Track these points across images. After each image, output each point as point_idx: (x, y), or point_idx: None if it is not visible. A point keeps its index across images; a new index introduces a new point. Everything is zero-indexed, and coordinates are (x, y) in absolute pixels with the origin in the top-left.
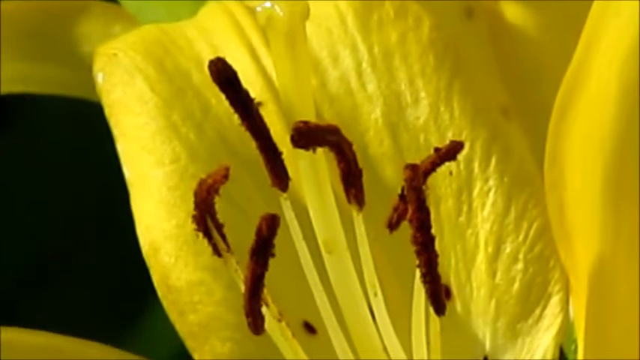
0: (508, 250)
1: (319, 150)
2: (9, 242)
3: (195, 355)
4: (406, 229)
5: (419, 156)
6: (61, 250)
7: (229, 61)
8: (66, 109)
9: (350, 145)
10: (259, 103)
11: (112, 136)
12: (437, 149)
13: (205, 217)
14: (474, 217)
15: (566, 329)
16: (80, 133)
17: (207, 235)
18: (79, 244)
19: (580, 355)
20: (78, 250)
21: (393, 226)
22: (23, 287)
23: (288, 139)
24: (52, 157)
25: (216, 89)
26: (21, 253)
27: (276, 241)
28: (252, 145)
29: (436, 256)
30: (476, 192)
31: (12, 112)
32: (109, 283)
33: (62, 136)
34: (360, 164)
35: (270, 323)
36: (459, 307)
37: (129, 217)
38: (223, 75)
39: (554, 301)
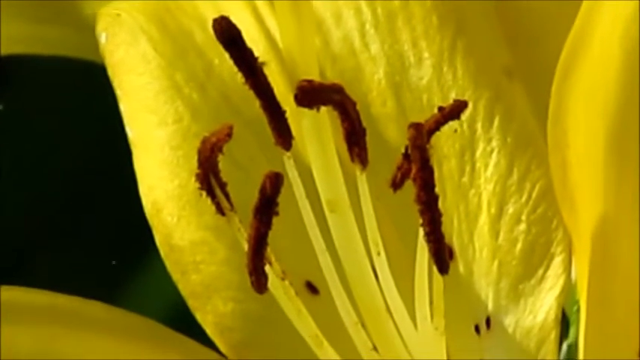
0: (511, 210)
1: (323, 109)
2: (8, 201)
3: (197, 315)
4: (410, 189)
5: (422, 116)
6: (60, 207)
7: (232, 20)
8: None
9: (354, 104)
10: (263, 63)
11: (115, 94)
12: (441, 108)
13: (209, 175)
14: (476, 178)
15: (569, 290)
16: (83, 88)
17: (211, 193)
18: (78, 201)
19: (582, 315)
20: (78, 207)
21: (396, 185)
22: (21, 245)
23: (291, 98)
24: (53, 114)
25: (219, 49)
26: (20, 211)
27: (280, 200)
28: (256, 104)
29: (440, 215)
30: (479, 152)
31: (9, 68)
32: (106, 241)
33: (65, 90)
34: (364, 124)
35: (273, 282)
36: (461, 268)
37: (131, 175)
38: (227, 34)
39: (557, 262)
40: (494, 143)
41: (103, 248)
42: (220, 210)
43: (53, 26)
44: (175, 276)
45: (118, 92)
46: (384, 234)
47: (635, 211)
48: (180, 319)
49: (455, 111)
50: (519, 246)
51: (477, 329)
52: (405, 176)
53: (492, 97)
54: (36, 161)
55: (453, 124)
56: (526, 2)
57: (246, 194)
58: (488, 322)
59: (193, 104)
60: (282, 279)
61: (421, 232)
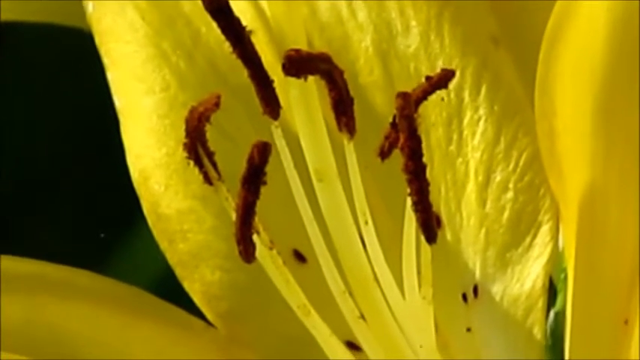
0: (498, 179)
1: (310, 78)
2: None
3: (184, 284)
4: (397, 158)
5: (409, 85)
6: (47, 175)
7: None
8: (54, 35)
9: (341, 73)
10: (250, 32)
11: (102, 63)
12: (428, 77)
13: (196, 144)
14: (464, 146)
15: (556, 258)
16: (70, 56)
17: (198, 163)
18: (66, 170)
19: (570, 283)
20: (65, 176)
21: (384, 154)
22: (8, 212)
23: (279, 67)
24: (40, 82)
25: (206, 17)
26: (7, 178)
27: (267, 169)
28: (244, 73)
29: (427, 184)
30: (466, 121)
31: None
32: (94, 210)
33: (52, 58)
34: (351, 93)
35: (260, 251)
36: (449, 236)
37: (119, 144)
38: (215, 2)
39: (544, 230)
40: (481, 111)
41: (91, 217)
42: (208, 179)
43: None
44: (163, 245)
45: (106, 60)
46: (371, 203)
47: (622, 179)
48: (168, 287)
49: (442, 80)
50: (507, 214)
51: (465, 297)
52: (392, 145)
53: (479, 66)
54: (24, 129)
55: (440, 93)
56: None
57: (233, 163)
58: (475, 290)
59: (180, 73)
60: (270, 248)
61: (409, 201)
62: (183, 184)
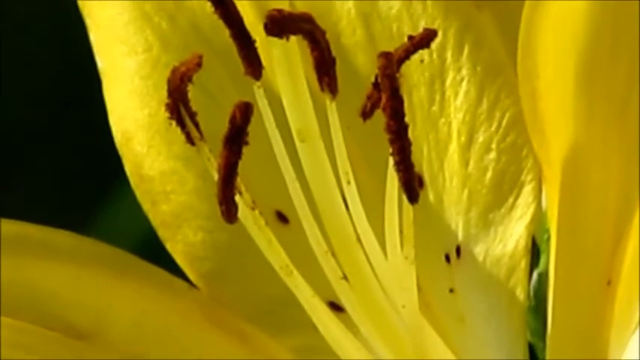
0: (481, 139)
1: (292, 38)
2: None
3: (167, 245)
4: (379, 118)
5: (392, 45)
6: (30, 136)
7: None
8: None
9: (323, 33)
10: None
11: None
12: (410, 37)
13: (178, 105)
14: (446, 107)
15: (539, 218)
16: (53, 17)
17: (180, 123)
18: (49, 131)
19: (553, 244)
20: (48, 137)
21: (366, 114)
22: None
23: (261, 27)
24: (23, 43)
25: None
26: None
27: (250, 129)
28: (226, 33)
29: (409, 144)
30: (449, 81)
31: None
32: (76, 171)
33: (35, 20)
34: (333, 53)
35: (243, 212)
36: (431, 197)
37: (101, 105)
38: None
39: (527, 190)
40: (463, 72)
41: (73, 178)
42: (190, 140)
43: None
44: (145, 206)
45: (88, 22)
46: (354, 163)
47: (605, 139)
48: (151, 248)
49: (425, 40)
50: (489, 174)
51: (447, 258)
52: (374, 105)
53: (462, 26)
54: (7, 89)
55: (422, 53)
56: None
57: (216, 124)
58: (458, 250)
59: (163, 34)
60: (252, 208)
61: (391, 161)
62: (165, 145)
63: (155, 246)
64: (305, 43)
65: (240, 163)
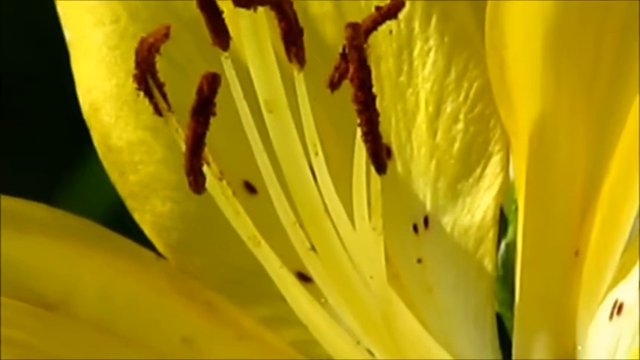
0: (449, 109)
1: (260, 9)
2: None
3: (135, 215)
4: (347, 89)
5: (360, 16)
6: None
7: None
8: None
9: (291, 3)
10: None
11: None
12: (378, 8)
13: (146, 76)
14: (414, 77)
15: (507, 189)
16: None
17: (148, 94)
18: (17, 103)
19: (520, 214)
20: (16, 108)
21: (334, 85)
22: None
23: None
24: None
25: None
26: None
27: (217, 100)
28: (193, 4)
29: (377, 115)
30: (416, 51)
31: None
32: (45, 142)
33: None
34: (301, 24)
35: (210, 182)
36: (399, 167)
37: (69, 76)
38: None
39: (495, 161)
40: (431, 42)
41: (41, 150)
42: (158, 110)
43: None
44: (113, 176)
45: None
46: (321, 134)
47: (572, 110)
48: (119, 219)
49: (392, 10)
50: (457, 145)
51: (415, 228)
52: (342, 76)
53: None
54: None
55: (390, 24)
56: None
57: (184, 94)
58: (426, 221)
59: (130, 4)
60: (220, 179)
61: (359, 132)
62: (133, 116)
63: (123, 217)
64: (272, 13)
65: (208, 134)
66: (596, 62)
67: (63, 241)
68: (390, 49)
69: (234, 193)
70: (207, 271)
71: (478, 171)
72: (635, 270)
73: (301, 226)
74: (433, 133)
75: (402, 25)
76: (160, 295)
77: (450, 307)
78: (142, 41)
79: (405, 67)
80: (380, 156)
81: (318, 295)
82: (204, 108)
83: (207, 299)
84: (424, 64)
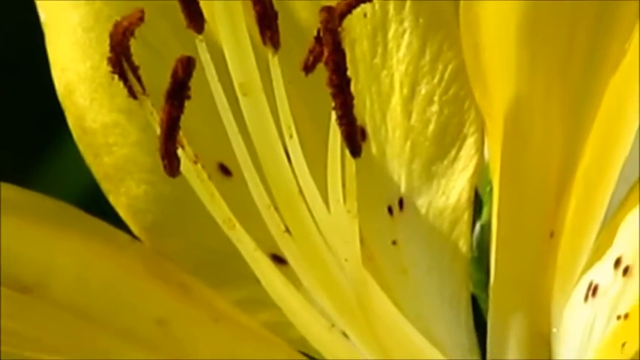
0: (423, 91)
1: None
2: None
3: (110, 198)
4: (322, 72)
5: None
6: None
7: None
8: None
9: None
10: None
11: None
12: None
13: (121, 59)
14: (389, 59)
15: (482, 171)
16: None
17: (123, 77)
18: None
19: (495, 196)
20: None
21: (308, 68)
22: None
23: None
24: None
25: None
26: None
27: (192, 83)
28: None
29: (352, 98)
30: (391, 33)
31: None
32: (19, 125)
33: None
34: (276, 7)
35: (185, 165)
36: (374, 149)
37: (44, 58)
38: None
39: (470, 143)
40: (406, 24)
41: (15, 133)
42: (132, 93)
43: None
44: (88, 159)
45: None
46: (296, 117)
47: (548, 91)
48: (94, 202)
49: None
50: (432, 127)
51: (390, 211)
52: (317, 59)
53: None
54: None
55: (365, 7)
56: None
57: (159, 77)
58: (401, 203)
59: None
60: (195, 162)
61: (333, 114)
62: (108, 98)
63: (98, 199)
64: None
65: (183, 117)
66: (570, 44)
67: (38, 224)
68: (365, 32)
69: (209, 176)
70: (182, 254)
71: (453, 153)
72: (609, 252)
73: (276, 208)
74: (408, 115)
75: (377, 7)
76: (135, 278)
77: (425, 288)
78: (117, 25)
79: (380, 50)
80: (354, 139)
81: (292, 278)
82: (178, 91)
83: (182, 281)
84: (399, 46)
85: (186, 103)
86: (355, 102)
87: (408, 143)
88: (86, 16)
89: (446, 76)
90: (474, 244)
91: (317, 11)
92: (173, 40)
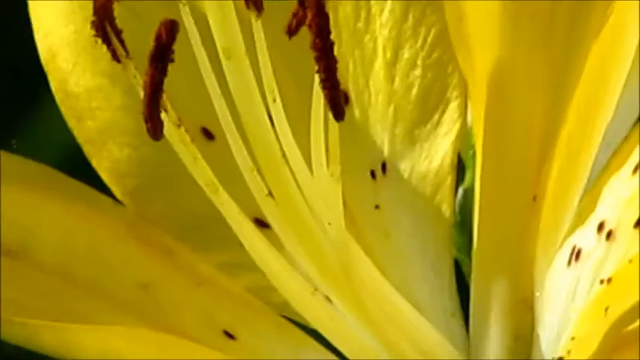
0: (406, 55)
1: None
2: None
3: (93, 162)
4: (305, 36)
5: None
6: None
7: None
8: None
9: None
10: None
11: None
12: None
13: (104, 22)
14: (372, 23)
15: (465, 135)
16: None
17: (106, 40)
18: None
19: (478, 160)
20: None
21: (292, 31)
22: None
23: None
24: None
25: None
26: None
27: (176, 47)
28: None
29: (335, 61)
30: None
31: None
32: (0, 84)
33: None
34: None
35: (168, 129)
36: (357, 113)
37: (27, 22)
38: None
39: (453, 107)
40: None
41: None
42: (116, 57)
43: None
44: (71, 122)
45: None
46: (280, 81)
47: (531, 56)
48: (76, 166)
49: None
50: (415, 91)
51: (373, 175)
52: (300, 23)
53: None
54: None
55: None
56: None
57: (142, 41)
58: (384, 167)
59: None
60: (178, 126)
61: (317, 78)
62: (91, 62)
63: (81, 163)
64: None
65: (166, 81)
66: (553, 10)
67: (21, 188)
68: None
69: (192, 140)
70: (165, 218)
71: (436, 117)
72: (593, 216)
73: (259, 172)
74: (391, 79)
75: None
76: (118, 242)
77: (408, 252)
78: None
79: (363, 14)
80: (338, 103)
81: (275, 242)
82: (162, 55)
83: (165, 245)
84: (382, 10)
85: (170, 67)
86: (338, 66)
87: (391, 107)
88: None
89: (429, 40)
90: (457, 208)
91: None
92: (156, 4)
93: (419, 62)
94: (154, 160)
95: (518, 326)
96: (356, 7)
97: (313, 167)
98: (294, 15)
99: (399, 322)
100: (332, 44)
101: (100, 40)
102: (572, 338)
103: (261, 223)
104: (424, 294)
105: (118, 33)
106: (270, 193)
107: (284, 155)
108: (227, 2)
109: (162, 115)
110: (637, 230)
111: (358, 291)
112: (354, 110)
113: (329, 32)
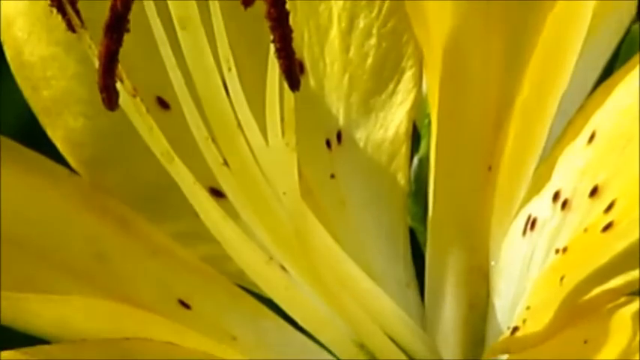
0: (361, 25)
1: None
2: None
3: (48, 131)
4: (260, 6)
5: None
6: None
7: None
8: None
9: None
10: None
11: None
12: None
13: None
14: None
15: (420, 104)
16: None
17: (61, 10)
18: None
19: (434, 129)
20: None
21: (247, 2)
22: None
23: None
24: None
25: None
26: None
27: (131, 17)
28: None
29: (290, 31)
30: None
31: None
32: None
33: None
34: None
35: (124, 99)
36: (312, 83)
37: None
38: None
39: (408, 76)
40: None
41: None
42: (71, 27)
43: None
44: (26, 92)
45: None
46: (235, 51)
47: (487, 24)
48: (31, 135)
49: None
50: (370, 60)
51: (328, 144)
52: None
53: None
54: None
55: None
56: None
57: (97, 11)
58: (339, 136)
59: None
60: (133, 95)
61: (272, 48)
62: (46, 31)
63: (36, 133)
64: None
65: (121, 51)
66: None
67: None
68: None
69: (147, 110)
70: (121, 188)
71: (391, 86)
72: (548, 185)
73: (214, 141)
74: (346, 48)
75: None
76: (74, 212)
77: (363, 222)
78: None
79: None
80: (293, 72)
81: (231, 211)
82: (117, 25)
83: (121, 215)
84: None
85: (125, 37)
86: (293, 36)
87: (346, 77)
88: None
89: (384, 9)
90: (412, 177)
91: None
92: None
93: (374, 31)
94: (109, 130)
95: (473, 295)
96: None
97: (269, 136)
98: None
99: (353, 291)
100: (287, 13)
101: (55, 10)
102: (528, 307)
103: (217, 193)
104: (379, 263)
105: (73, 2)
106: (226, 163)
107: (239, 124)
108: None
109: (118, 85)
110: (592, 200)
111: (313, 260)
112: (310, 80)
113: (284, 2)
